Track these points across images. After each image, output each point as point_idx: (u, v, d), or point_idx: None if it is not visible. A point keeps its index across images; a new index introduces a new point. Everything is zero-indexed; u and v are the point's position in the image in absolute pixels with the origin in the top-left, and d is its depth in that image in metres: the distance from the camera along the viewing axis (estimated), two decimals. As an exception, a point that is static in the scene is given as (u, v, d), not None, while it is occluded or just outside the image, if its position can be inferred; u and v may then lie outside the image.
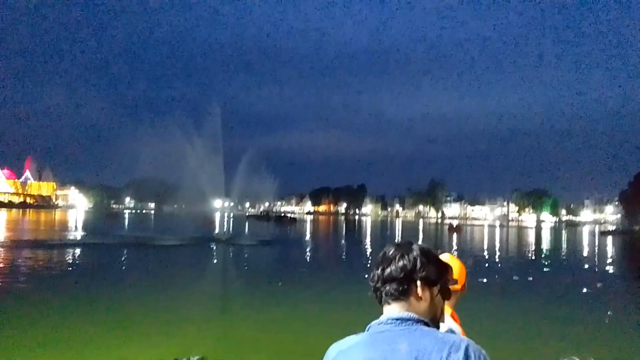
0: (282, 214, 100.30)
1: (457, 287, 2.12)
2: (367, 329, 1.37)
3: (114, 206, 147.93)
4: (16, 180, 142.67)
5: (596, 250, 35.36)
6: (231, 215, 60.78)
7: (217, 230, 36.02)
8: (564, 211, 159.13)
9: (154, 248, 24.11)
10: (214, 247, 26.71)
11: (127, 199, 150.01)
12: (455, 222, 78.00)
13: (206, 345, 7.20)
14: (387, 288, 1.38)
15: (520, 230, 75.00)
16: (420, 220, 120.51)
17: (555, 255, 29.81)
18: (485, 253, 28.06)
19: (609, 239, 53.78)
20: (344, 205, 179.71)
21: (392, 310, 1.37)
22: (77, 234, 34.15)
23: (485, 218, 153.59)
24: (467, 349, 1.24)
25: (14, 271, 14.92)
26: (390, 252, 1.41)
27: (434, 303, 1.40)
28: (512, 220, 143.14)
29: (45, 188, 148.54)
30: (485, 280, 15.36)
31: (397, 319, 1.33)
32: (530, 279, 17.32)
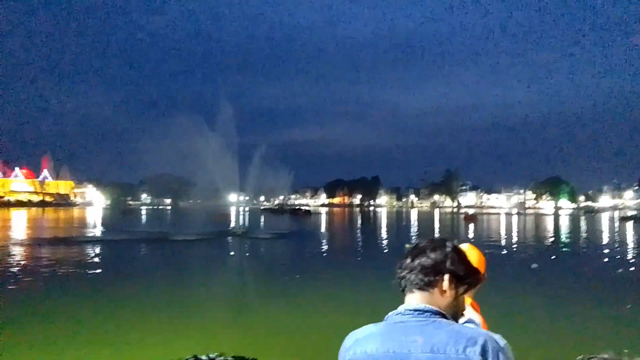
0: (297, 207, 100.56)
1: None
2: (385, 319, 1.37)
3: (131, 202, 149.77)
4: (34, 179, 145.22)
5: (616, 237, 34.76)
6: (246, 209, 61.05)
7: (233, 224, 36.27)
8: (582, 198, 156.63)
9: (172, 243, 24.35)
10: (231, 241, 26.87)
11: (143, 195, 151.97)
12: (471, 211, 77.33)
13: (225, 341, 7.22)
14: (414, 277, 1.38)
15: (538, 218, 74.07)
16: (436, 210, 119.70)
17: (574, 243, 29.40)
18: (503, 241, 27.81)
19: (630, 224, 52.79)
20: (359, 197, 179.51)
21: (412, 300, 1.37)
22: (96, 231, 34.62)
23: (501, 207, 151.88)
24: (484, 344, 1.23)
25: (35, 269, 15.17)
26: (424, 244, 1.44)
27: (457, 301, 1.40)
28: (530, 208, 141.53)
29: (63, 186, 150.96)
30: (503, 268, 15.22)
31: (415, 310, 1.33)
32: (549, 266, 17.14)
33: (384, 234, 35.50)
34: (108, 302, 10.33)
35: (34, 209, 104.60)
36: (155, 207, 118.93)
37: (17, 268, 15.18)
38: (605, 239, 32.33)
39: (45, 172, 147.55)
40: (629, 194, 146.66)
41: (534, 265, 16.98)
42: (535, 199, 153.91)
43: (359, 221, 59.16)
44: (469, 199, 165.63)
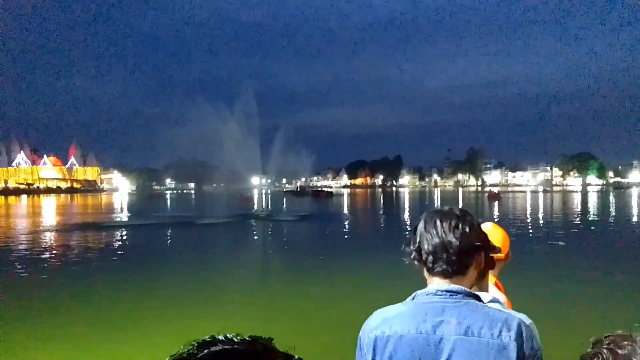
0: (319, 189, 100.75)
1: (501, 255, 2.08)
2: (412, 297, 1.34)
3: (156, 187, 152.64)
4: (62, 166, 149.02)
5: (647, 213, 33.83)
6: (269, 192, 61.72)
7: (256, 207, 36.66)
8: (611, 173, 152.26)
9: (197, 227, 24.73)
10: (254, 224, 27.16)
11: (168, 180, 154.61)
12: (495, 190, 76.22)
13: (247, 321, 7.30)
14: (447, 257, 1.30)
15: (565, 195, 72.52)
16: (460, 189, 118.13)
17: (602, 219, 28.72)
18: (529, 220, 27.40)
19: (662, 200, 51.22)
20: (381, 177, 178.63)
21: (443, 281, 1.32)
22: (124, 216, 35.44)
23: (527, 184, 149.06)
24: (519, 327, 1.22)
25: (66, 253, 15.64)
26: (446, 220, 1.33)
27: (482, 280, 1.38)
28: (557, 185, 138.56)
29: (90, 173, 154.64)
30: (529, 247, 15.01)
31: (447, 291, 1.29)
32: (577, 244, 16.83)
33: (406, 214, 35.34)
34: (135, 286, 10.55)
35: (62, 195, 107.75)
36: (180, 191, 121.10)
37: (56, 252, 15.70)
38: (636, 216, 31.50)
39: (72, 160, 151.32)
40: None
41: (561, 244, 16.71)
42: (562, 175, 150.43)
43: (381, 202, 58.94)
44: (493, 177, 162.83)
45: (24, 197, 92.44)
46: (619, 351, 0.96)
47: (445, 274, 1.31)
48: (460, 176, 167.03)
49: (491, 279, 1.98)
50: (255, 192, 52.87)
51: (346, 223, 27.93)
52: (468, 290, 1.30)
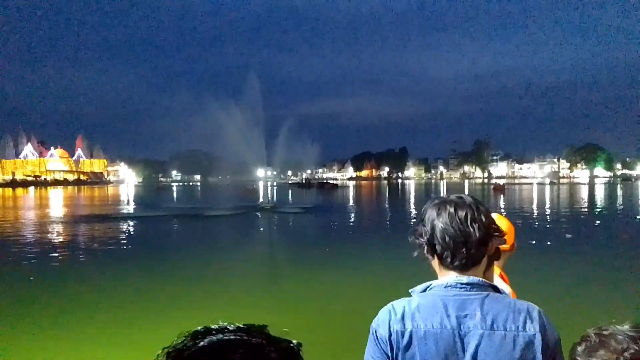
0: (324, 181, 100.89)
1: (506, 247, 2.07)
2: (423, 289, 1.30)
3: (162, 179, 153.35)
4: (69, 158, 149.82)
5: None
6: (274, 184, 61.66)
7: (261, 199, 36.78)
8: (619, 165, 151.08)
9: (203, 219, 24.87)
10: (259, 216, 27.29)
11: (174, 172, 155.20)
12: (501, 182, 75.93)
13: (250, 313, 7.32)
14: (465, 252, 1.26)
15: (572, 187, 72.16)
16: (466, 181, 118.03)
17: (610, 212, 28.54)
18: (535, 212, 27.28)
19: (670, 192, 50.81)
20: (386, 169, 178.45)
21: (461, 272, 1.27)
22: (130, 208, 35.65)
23: (534, 176, 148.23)
24: (540, 317, 1.23)
25: (74, 244, 15.77)
26: (461, 210, 1.27)
27: (489, 271, 1.34)
28: (564, 177, 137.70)
29: (97, 165, 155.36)
30: (534, 241, 14.96)
31: (467, 284, 1.25)
32: (584, 236, 16.75)
33: (412, 206, 35.33)
34: (143, 278, 10.59)
35: (70, 187, 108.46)
36: (185, 183, 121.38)
37: (66, 243, 15.80)
38: (644, 208, 31.26)
39: (79, 152, 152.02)
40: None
41: (568, 236, 16.63)
42: (570, 167, 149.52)
43: (387, 194, 58.86)
44: (500, 169, 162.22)
45: (31, 188, 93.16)
46: (604, 332, 1.05)
47: (463, 267, 1.27)
48: (466, 168, 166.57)
49: (496, 270, 1.96)
50: (261, 184, 52.96)
51: (352, 215, 27.97)
52: (487, 281, 1.27)
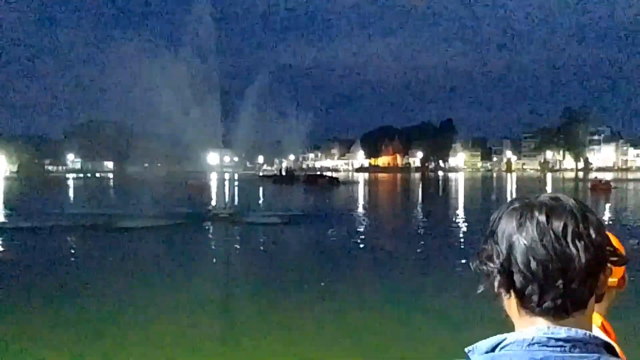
0: (318, 173, 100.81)
1: (613, 281, 2.05)
2: (493, 348, 1.23)
3: (51, 167, 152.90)
4: None
5: None
6: (235, 176, 61.56)
7: (213, 202, 36.95)
8: None
9: (115, 233, 24.95)
10: (210, 229, 27.46)
11: (70, 157, 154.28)
12: (605, 176, 76.02)
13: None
14: (563, 286, 1.21)
15: None
16: (549, 175, 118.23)
17: None
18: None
19: None
20: (419, 155, 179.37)
21: (553, 322, 1.24)
22: (-1, 215, 35.57)
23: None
24: None
25: None
26: (558, 219, 1.23)
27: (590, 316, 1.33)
28: None
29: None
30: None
31: (566, 340, 1.21)
32: None
33: (462, 214, 35.11)
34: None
35: None
36: (90, 174, 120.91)
37: None
38: None
39: None
40: None
41: None
42: None
43: (420, 194, 59.15)
44: (604, 155, 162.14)
45: None
46: None
47: (558, 312, 1.23)
48: (549, 154, 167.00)
49: (596, 318, 1.99)
50: (213, 177, 52.99)
51: (362, 229, 28.01)
52: (596, 336, 1.22)
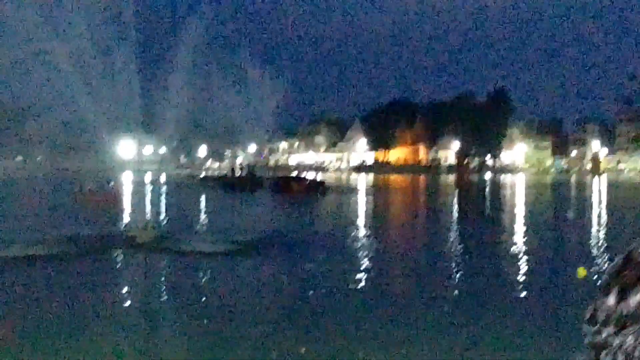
0: (292, 175, 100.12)
1: None
2: None
3: None
4: None
5: None
6: (161, 178, 61.61)
7: (127, 218, 37.48)
8: None
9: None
10: (120, 261, 27.74)
11: None
12: None
13: None
14: None
15: None
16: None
17: None
18: None
19: None
20: (454, 145, 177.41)
21: None
22: None
23: None
24: None
25: None
26: None
27: None
28: None
29: None
30: None
31: None
32: None
33: (521, 246, 35.04)
34: None
35: None
36: None
37: None
38: None
39: None
40: None
41: None
42: None
43: (455, 207, 58.97)
44: None
45: None
46: None
47: None
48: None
49: None
50: (127, 177, 52.91)
51: (362, 265, 27.69)
52: None
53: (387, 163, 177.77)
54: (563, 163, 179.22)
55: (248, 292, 21.84)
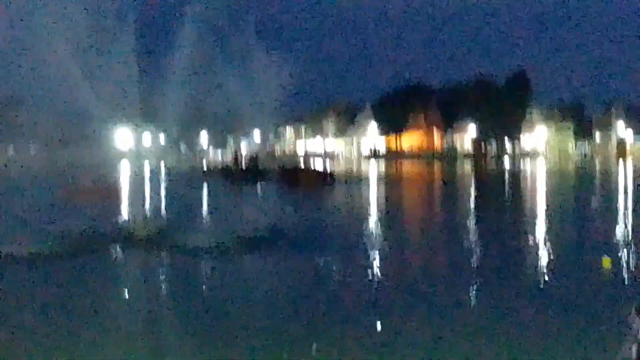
0: (300, 165, 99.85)
1: None
2: None
3: None
4: None
5: None
6: (161, 168, 61.34)
7: (125, 214, 37.85)
8: None
9: None
10: (118, 260, 27.44)
11: None
12: None
13: None
14: None
15: None
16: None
17: None
18: None
19: None
20: (471, 131, 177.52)
21: None
22: None
23: None
24: None
25: None
26: None
27: None
28: None
29: None
30: None
31: None
32: None
33: (540, 239, 34.35)
34: None
35: None
36: None
37: None
38: None
39: None
40: None
41: None
42: None
43: (472, 197, 58.64)
44: None
45: None
46: None
47: None
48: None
49: None
50: (124, 168, 52.56)
51: (376, 261, 27.15)
52: None
53: (399, 151, 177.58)
54: (586, 147, 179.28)
55: (255, 291, 21.27)
